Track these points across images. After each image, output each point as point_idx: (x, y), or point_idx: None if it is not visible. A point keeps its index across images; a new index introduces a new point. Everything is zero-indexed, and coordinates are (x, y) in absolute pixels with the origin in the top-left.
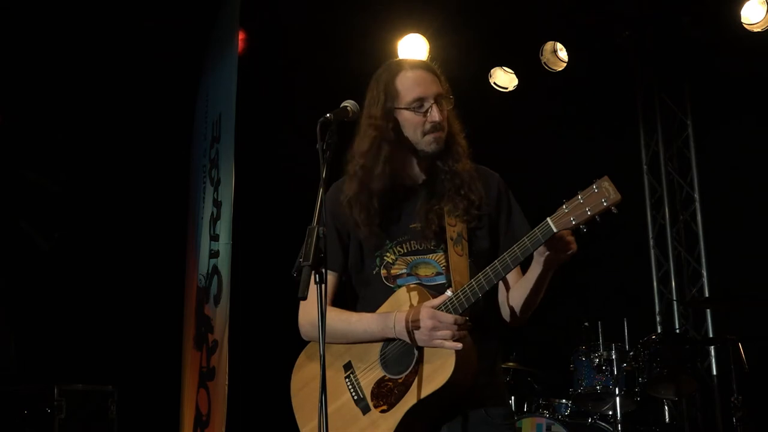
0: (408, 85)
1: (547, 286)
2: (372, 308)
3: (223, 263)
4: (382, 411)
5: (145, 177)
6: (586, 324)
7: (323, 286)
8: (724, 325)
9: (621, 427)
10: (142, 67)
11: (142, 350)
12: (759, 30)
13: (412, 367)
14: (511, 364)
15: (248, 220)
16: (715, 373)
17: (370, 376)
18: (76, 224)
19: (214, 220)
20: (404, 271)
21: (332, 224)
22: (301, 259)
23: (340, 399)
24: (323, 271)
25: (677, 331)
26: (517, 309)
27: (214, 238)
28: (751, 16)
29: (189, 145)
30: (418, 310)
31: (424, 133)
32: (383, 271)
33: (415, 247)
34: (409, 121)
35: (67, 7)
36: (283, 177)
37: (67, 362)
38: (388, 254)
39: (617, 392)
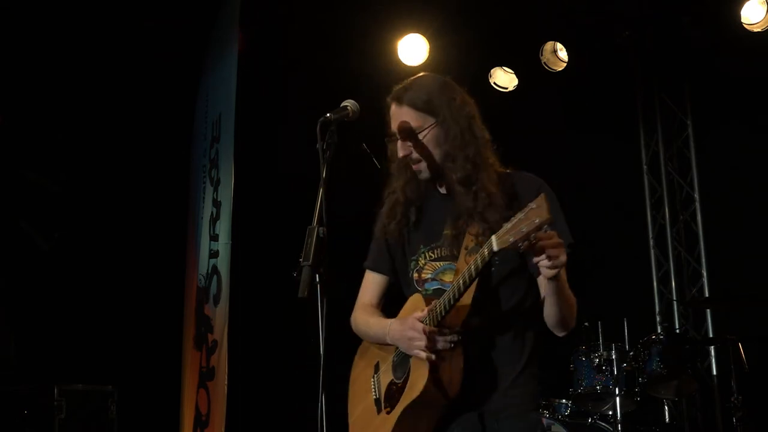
0: (391, 118)
1: (565, 295)
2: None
3: (223, 263)
4: (388, 412)
5: (145, 177)
6: (586, 324)
7: (323, 286)
8: (724, 325)
9: (621, 427)
10: (142, 67)
11: (142, 350)
12: (759, 30)
13: (406, 373)
14: None
15: (248, 220)
16: (715, 373)
17: (386, 378)
18: (76, 224)
19: (214, 220)
20: (430, 275)
21: (382, 232)
22: (301, 259)
23: (367, 398)
24: (323, 271)
25: (677, 331)
26: (549, 321)
27: (214, 238)
28: (751, 16)
29: (189, 145)
30: (406, 320)
31: None
32: (415, 275)
33: (444, 253)
34: None
35: (67, 7)
36: (283, 177)
37: (67, 362)
38: (421, 259)
39: (617, 392)
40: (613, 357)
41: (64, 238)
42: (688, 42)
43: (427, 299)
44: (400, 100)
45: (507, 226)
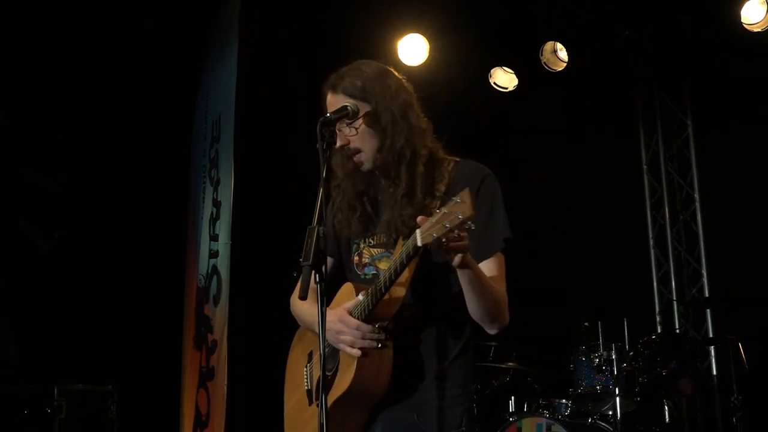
0: (327, 106)
1: (482, 285)
2: None
3: (223, 263)
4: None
5: (145, 177)
6: (586, 324)
7: (323, 285)
8: (724, 325)
9: (621, 427)
10: (142, 67)
11: (142, 350)
12: (759, 30)
13: (336, 365)
14: (511, 364)
15: (248, 220)
16: (715, 373)
17: (317, 369)
18: (76, 224)
19: (214, 220)
20: (368, 260)
21: (330, 219)
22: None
23: (300, 389)
24: (323, 271)
25: (677, 331)
26: (474, 316)
27: (214, 238)
28: (751, 16)
29: (189, 145)
30: (336, 311)
31: None
32: (356, 258)
33: (383, 239)
34: None
35: (67, 7)
36: (283, 177)
37: (67, 362)
38: (361, 242)
39: (617, 392)
40: (613, 357)
41: (64, 238)
42: (688, 42)
43: (359, 287)
44: (335, 88)
45: (432, 220)
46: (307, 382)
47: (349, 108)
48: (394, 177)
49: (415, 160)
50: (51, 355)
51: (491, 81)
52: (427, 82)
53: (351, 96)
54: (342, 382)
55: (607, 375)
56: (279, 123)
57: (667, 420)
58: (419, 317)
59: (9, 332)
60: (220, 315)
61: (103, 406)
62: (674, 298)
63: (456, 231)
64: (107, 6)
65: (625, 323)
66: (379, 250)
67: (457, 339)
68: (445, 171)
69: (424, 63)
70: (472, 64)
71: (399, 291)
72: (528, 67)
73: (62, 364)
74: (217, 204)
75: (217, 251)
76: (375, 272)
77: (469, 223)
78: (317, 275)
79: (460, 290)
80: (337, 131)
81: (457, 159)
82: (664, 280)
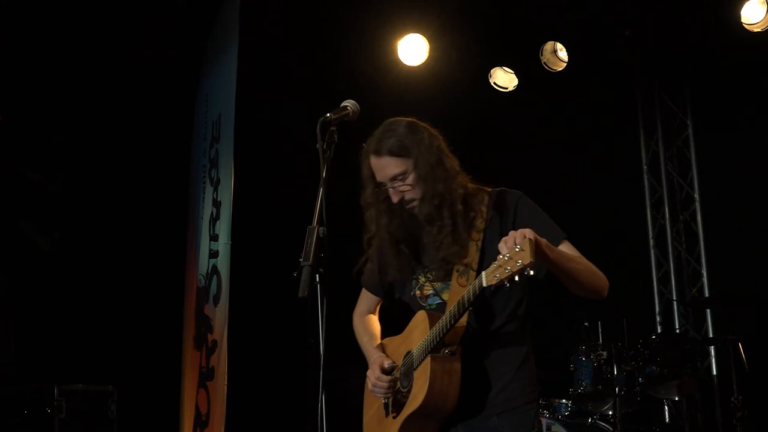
0: (375, 170)
1: (570, 268)
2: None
3: (223, 263)
4: (394, 417)
5: (145, 177)
6: (586, 324)
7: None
8: (724, 325)
9: (621, 427)
10: (142, 67)
11: (142, 350)
12: (759, 30)
13: (410, 384)
14: None
15: (248, 220)
16: (715, 373)
17: (397, 383)
18: (76, 224)
19: (214, 220)
20: (431, 292)
21: (375, 258)
22: (301, 259)
23: (378, 401)
24: (323, 271)
25: (677, 331)
26: (579, 294)
27: (214, 238)
28: (751, 16)
29: (189, 145)
30: (374, 367)
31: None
32: (417, 292)
33: (439, 274)
34: None
35: (67, 7)
36: (283, 177)
37: (67, 362)
38: (421, 277)
39: (617, 392)
40: (613, 357)
41: (64, 239)
42: (688, 42)
43: (431, 314)
44: (378, 151)
45: (495, 264)
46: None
47: (349, 108)
48: (437, 219)
49: (453, 201)
50: (51, 355)
51: (491, 81)
52: (427, 82)
53: (395, 155)
54: (415, 400)
55: (607, 375)
56: (279, 123)
57: (667, 420)
58: (483, 335)
59: (9, 332)
60: (220, 315)
61: (103, 406)
62: (674, 298)
63: (516, 275)
64: (107, 6)
65: (625, 323)
66: (439, 283)
67: (519, 348)
68: (482, 204)
69: (424, 63)
70: (472, 64)
71: (462, 318)
72: (528, 67)
73: (62, 364)
74: (217, 204)
75: (217, 251)
76: (440, 301)
77: (528, 269)
78: (317, 275)
79: (516, 306)
80: (390, 189)
81: (488, 189)
82: (664, 280)
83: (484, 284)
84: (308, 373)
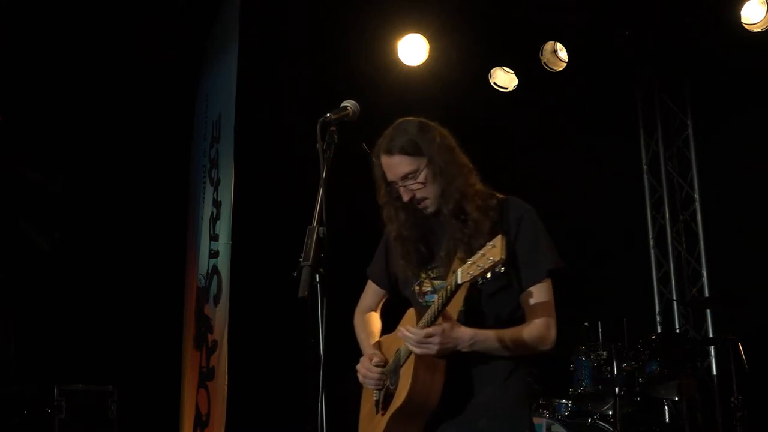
0: (386, 169)
1: (502, 348)
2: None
3: (223, 263)
4: (382, 415)
5: (145, 177)
6: (586, 324)
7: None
8: (724, 325)
9: (621, 427)
10: (142, 67)
11: (142, 350)
12: (759, 30)
13: (396, 381)
14: None
15: (248, 220)
16: (715, 373)
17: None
18: (76, 224)
19: (214, 220)
20: (430, 289)
21: (383, 251)
22: (301, 259)
23: (373, 398)
24: (323, 271)
25: (677, 331)
26: None
27: (214, 238)
28: (751, 16)
29: (189, 145)
30: (364, 359)
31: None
32: (416, 288)
33: (440, 272)
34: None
35: (67, 7)
36: (283, 177)
37: (67, 362)
38: (422, 274)
39: (617, 392)
40: (613, 357)
41: (64, 239)
42: (688, 42)
43: (420, 312)
44: (389, 150)
45: (469, 261)
46: (375, 392)
47: (349, 108)
48: (462, 213)
49: (474, 195)
50: (51, 355)
51: (491, 81)
52: (427, 82)
53: (407, 153)
54: (399, 397)
55: (607, 375)
56: (279, 123)
57: (667, 420)
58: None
59: (9, 332)
60: (220, 315)
61: (103, 406)
62: (674, 298)
63: (488, 272)
64: (107, 6)
65: (625, 323)
66: (438, 281)
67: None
68: (492, 210)
69: (424, 63)
70: (472, 64)
71: (452, 316)
72: (528, 67)
73: (62, 364)
74: (217, 204)
75: (217, 251)
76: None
77: (499, 266)
78: (317, 275)
79: (509, 309)
80: (401, 187)
81: (501, 196)
82: (664, 280)
83: (459, 281)
84: (308, 373)
